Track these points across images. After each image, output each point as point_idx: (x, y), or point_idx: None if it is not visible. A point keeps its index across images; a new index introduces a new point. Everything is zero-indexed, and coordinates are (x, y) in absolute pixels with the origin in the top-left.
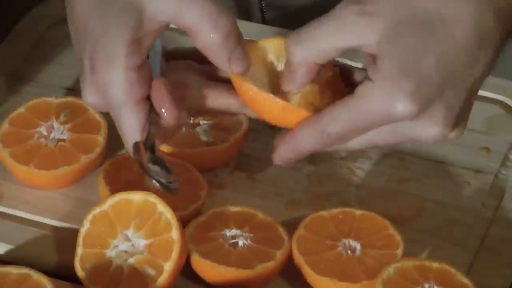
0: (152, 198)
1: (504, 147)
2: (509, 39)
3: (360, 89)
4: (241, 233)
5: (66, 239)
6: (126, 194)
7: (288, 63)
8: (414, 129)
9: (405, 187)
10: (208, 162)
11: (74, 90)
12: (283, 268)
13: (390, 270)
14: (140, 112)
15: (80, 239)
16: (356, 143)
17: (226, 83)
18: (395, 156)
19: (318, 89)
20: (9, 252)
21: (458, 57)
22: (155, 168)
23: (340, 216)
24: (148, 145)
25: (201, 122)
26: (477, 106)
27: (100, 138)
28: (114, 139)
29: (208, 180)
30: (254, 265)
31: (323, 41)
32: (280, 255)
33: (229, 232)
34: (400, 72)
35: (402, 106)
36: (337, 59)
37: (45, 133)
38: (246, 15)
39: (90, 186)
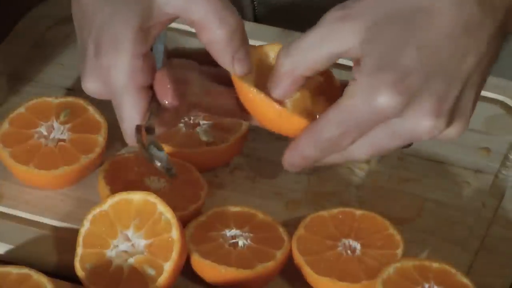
0: (152, 198)
1: (504, 147)
2: (509, 38)
3: (346, 90)
4: (241, 233)
5: (66, 239)
6: (126, 194)
7: (274, 72)
8: (407, 124)
9: (405, 187)
10: (208, 162)
11: (74, 90)
12: (283, 268)
13: (390, 270)
14: (141, 100)
15: (80, 239)
16: (360, 151)
17: (224, 86)
18: (395, 156)
19: (311, 95)
20: (9, 252)
21: (443, 46)
22: (155, 151)
23: (340, 216)
24: (148, 130)
25: (201, 122)
26: (477, 106)
27: (100, 138)
28: (114, 139)
29: (208, 180)
30: (254, 265)
31: (310, 52)
32: (280, 255)
33: (229, 232)
34: (380, 66)
35: (385, 98)
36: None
37: (45, 133)
38: (238, 13)
39: (90, 186)
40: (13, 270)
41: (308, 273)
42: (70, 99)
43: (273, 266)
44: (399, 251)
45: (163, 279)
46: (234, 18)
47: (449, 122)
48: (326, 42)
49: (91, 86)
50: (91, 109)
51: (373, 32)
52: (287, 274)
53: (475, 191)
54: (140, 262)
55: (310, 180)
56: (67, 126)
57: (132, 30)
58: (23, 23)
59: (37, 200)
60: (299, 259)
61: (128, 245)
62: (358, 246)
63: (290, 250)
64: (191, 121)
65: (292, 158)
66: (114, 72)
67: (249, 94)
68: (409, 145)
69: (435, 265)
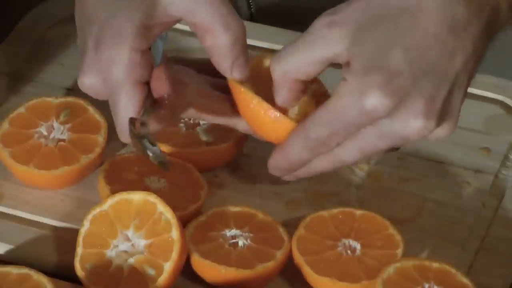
0: (152, 198)
1: (504, 147)
2: (500, 36)
3: (335, 90)
4: (241, 233)
5: (66, 239)
6: (126, 194)
7: (273, 81)
8: (396, 125)
9: (405, 187)
10: (208, 162)
11: (74, 90)
12: (283, 268)
13: (390, 270)
14: (137, 94)
15: (80, 239)
16: (348, 154)
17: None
18: (395, 156)
19: (308, 103)
20: (9, 252)
21: (430, 47)
22: (148, 145)
23: (340, 216)
24: (142, 126)
25: (201, 122)
26: (477, 106)
27: (100, 138)
28: (114, 139)
29: (208, 180)
30: (254, 265)
31: (297, 57)
32: (280, 255)
33: (229, 232)
34: (369, 67)
35: (374, 99)
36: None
37: (45, 133)
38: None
39: (90, 186)
40: (13, 270)
41: (308, 273)
42: (70, 99)
43: (273, 266)
44: (399, 251)
45: (163, 279)
46: (238, 25)
47: (438, 123)
48: (315, 48)
49: (88, 81)
50: (91, 109)
51: (360, 36)
52: (287, 274)
53: (475, 191)
54: (140, 262)
55: (310, 180)
56: (67, 126)
57: (133, 26)
58: (23, 23)
59: (37, 200)
60: (299, 259)
61: (128, 245)
62: (358, 246)
63: (290, 250)
64: (191, 121)
65: (278, 160)
66: (113, 64)
67: (246, 98)
68: (396, 148)
69: (435, 265)
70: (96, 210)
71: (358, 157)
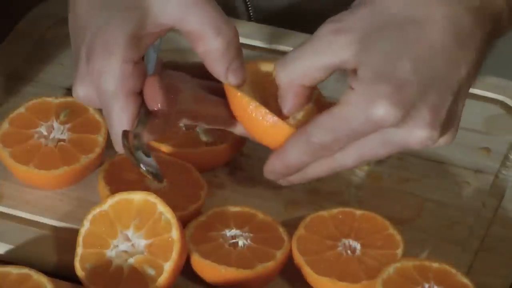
0: (152, 198)
1: (504, 147)
2: (502, 40)
3: (341, 98)
4: (241, 233)
5: (66, 239)
6: (126, 194)
7: (278, 88)
8: (400, 134)
9: (405, 187)
10: (208, 162)
11: None
12: (283, 268)
13: (390, 270)
14: (131, 105)
15: (80, 239)
16: (347, 158)
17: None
18: (395, 156)
19: (308, 109)
20: (9, 252)
21: (437, 58)
22: (142, 157)
23: (340, 216)
24: (136, 137)
25: None
26: (477, 106)
27: (100, 138)
28: None
29: (208, 180)
30: (254, 265)
31: (304, 62)
32: (280, 255)
33: (229, 232)
34: (377, 76)
35: (381, 109)
36: None
37: (45, 133)
38: (232, 13)
39: (90, 186)
40: (13, 270)
41: (308, 273)
42: (70, 99)
43: (273, 266)
44: (399, 251)
45: (163, 279)
46: (230, 29)
47: (442, 133)
48: (321, 54)
49: (81, 92)
50: (91, 109)
51: (367, 43)
52: (287, 274)
53: (475, 191)
54: (140, 262)
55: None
56: (67, 126)
57: (125, 36)
58: (23, 23)
59: (37, 200)
60: (299, 259)
61: (128, 245)
62: (358, 246)
63: (290, 250)
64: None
65: (275, 163)
66: (105, 76)
67: (242, 102)
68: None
69: (435, 265)
70: (96, 210)
71: (357, 163)
